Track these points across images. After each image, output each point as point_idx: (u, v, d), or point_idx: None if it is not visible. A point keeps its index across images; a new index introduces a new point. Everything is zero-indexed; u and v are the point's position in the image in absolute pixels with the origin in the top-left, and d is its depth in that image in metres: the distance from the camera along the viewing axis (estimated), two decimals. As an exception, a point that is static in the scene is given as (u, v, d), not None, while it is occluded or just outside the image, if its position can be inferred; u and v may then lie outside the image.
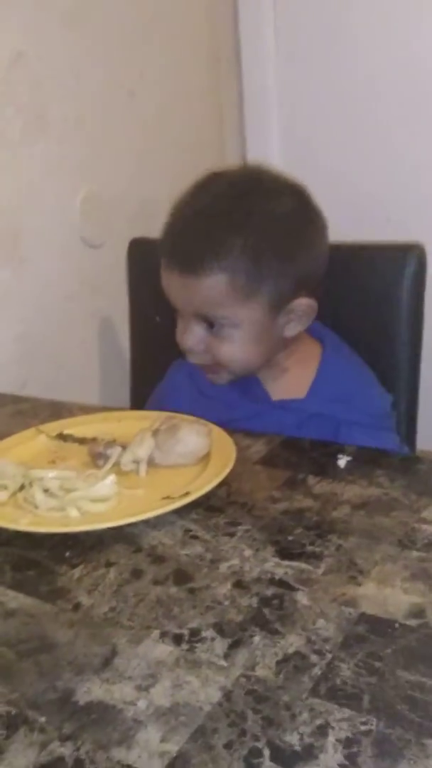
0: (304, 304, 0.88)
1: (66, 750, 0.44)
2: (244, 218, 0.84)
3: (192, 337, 0.89)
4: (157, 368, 1.07)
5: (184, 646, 0.52)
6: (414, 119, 1.52)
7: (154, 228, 1.41)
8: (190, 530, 0.67)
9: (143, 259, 1.24)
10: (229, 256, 0.83)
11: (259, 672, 0.49)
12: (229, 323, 0.86)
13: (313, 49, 1.58)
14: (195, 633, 0.53)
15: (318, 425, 0.89)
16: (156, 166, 1.46)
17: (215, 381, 0.94)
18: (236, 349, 0.88)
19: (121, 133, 1.39)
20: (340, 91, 1.58)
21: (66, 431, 0.87)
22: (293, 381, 0.94)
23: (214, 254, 0.83)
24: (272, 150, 1.63)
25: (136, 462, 0.77)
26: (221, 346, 0.88)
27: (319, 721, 0.45)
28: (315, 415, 0.90)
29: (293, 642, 0.51)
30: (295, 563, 0.60)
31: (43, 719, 0.47)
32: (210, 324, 0.87)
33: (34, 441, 0.86)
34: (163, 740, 0.44)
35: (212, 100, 1.63)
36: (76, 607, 0.58)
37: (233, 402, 0.95)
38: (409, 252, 1.02)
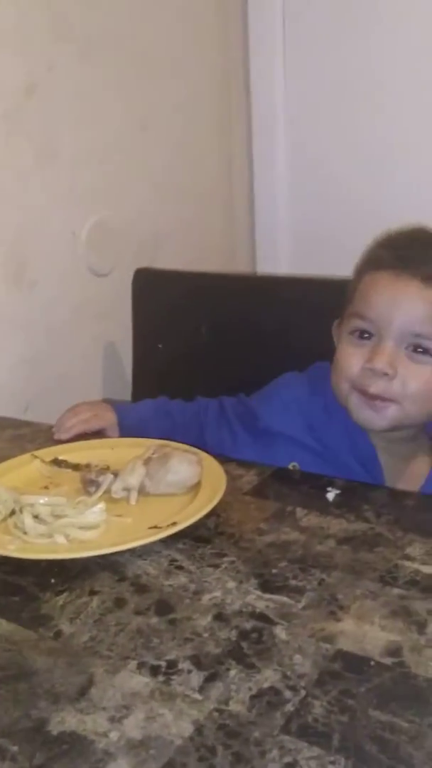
0: None
1: (35, 780, 0.45)
2: None
3: (388, 357, 0.82)
4: (157, 394, 1.08)
5: (161, 678, 0.52)
6: (427, 133, 1.50)
7: (160, 258, 1.45)
8: (176, 560, 0.67)
9: (148, 288, 1.26)
10: None
11: (233, 706, 0.49)
12: None
13: (324, 90, 1.60)
14: (172, 665, 0.54)
15: None
16: (165, 199, 1.48)
17: (374, 421, 0.85)
18: (430, 377, 0.83)
19: (131, 165, 1.41)
20: (349, 110, 1.56)
21: (60, 457, 0.87)
22: (409, 473, 0.90)
23: None
24: (279, 182, 1.64)
25: (127, 490, 0.77)
26: (420, 372, 0.83)
27: (287, 759, 0.45)
28: None
29: (269, 677, 0.52)
30: (276, 596, 0.61)
31: (15, 748, 0.47)
32: (413, 347, 0.83)
33: (29, 466, 0.87)
34: (131, 773, 0.44)
35: (222, 136, 1.65)
36: (57, 634, 0.58)
37: (343, 466, 0.88)
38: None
